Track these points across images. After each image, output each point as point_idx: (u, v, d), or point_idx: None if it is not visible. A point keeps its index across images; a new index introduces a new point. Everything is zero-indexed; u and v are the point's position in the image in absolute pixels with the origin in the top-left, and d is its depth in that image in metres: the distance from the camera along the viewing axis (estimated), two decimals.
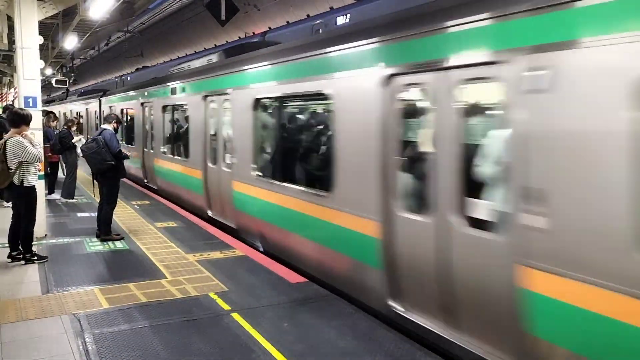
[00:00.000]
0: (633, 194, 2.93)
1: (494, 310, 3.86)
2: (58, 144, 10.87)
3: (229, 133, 8.55)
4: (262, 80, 7.45)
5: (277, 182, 6.95)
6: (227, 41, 21.30)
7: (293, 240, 6.63)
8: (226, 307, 5.22)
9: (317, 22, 16.39)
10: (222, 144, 8.88)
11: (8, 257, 6.60)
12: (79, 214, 9.83)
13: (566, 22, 3.27)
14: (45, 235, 7.91)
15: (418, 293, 4.62)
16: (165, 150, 12.06)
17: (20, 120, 6.47)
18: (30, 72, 7.74)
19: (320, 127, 6.96)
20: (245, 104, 7.74)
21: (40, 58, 9.08)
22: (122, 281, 5.92)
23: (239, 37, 20.58)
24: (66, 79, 26.46)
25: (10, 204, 8.45)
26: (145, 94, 13.59)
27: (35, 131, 6.97)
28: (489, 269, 3.88)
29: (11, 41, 13.06)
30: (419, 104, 4.76)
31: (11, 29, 11.78)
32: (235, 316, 4.97)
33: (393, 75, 4.78)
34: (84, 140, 10.56)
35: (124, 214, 9.73)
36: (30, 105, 7.58)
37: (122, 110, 16.42)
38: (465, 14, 4.03)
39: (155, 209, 10.48)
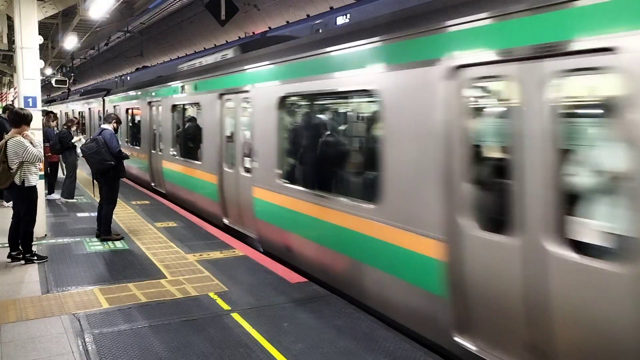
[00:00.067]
0: None
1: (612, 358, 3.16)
2: (58, 144, 10.87)
3: (249, 134, 7.88)
4: (289, 76, 6.66)
5: (309, 190, 6.20)
6: (227, 41, 21.29)
7: (328, 256, 5.89)
8: (226, 307, 5.22)
9: (317, 22, 16.40)
10: (241, 147, 8.22)
11: (8, 257, 6.61)
12: (79, 214, 9.83)
13: None
14: (45, 235, 7.91)
15: (498, 329, 3.85)
16: (175, 152, 11.36)
17: (21, 120, 6.47)
18: (30, 72, 7.74)
19: (362, 128, 6.18)
20: (269, 102, 7.00)
21: (40, 58, 9.07)
22: (122, 281, 5.92)
23: (239, 37, 20.57)
24: (66, 78, 26.49)
25: (10, 204, 8.46)
26: (153, 92, 12.98)
27: (35, 131, 6.97)
28: (608, 308, 3.14)
29: (11, 41, 13.04)
30: (498, 101, 4.09)
31: (11, 28, 11.76)
32: (235, 316, 4.97)
33: (462, 66, 4.03)
34: (83, 140, 10.55)
35: (124, 214, 9.73)
36: (30, 105, 7.58)
37: (127, 110, 15.71)
38: None
39: (155, 209, 10.48)
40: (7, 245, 6.68)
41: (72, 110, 26.39)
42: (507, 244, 3.72)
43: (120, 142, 8.23)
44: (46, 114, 11.89)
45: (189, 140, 11.02)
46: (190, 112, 11.32)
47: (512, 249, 3.67)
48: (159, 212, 10.06)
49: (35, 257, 6.59)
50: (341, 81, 5.61)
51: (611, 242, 3.19)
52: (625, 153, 3.04)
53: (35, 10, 7.96)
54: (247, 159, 7.96)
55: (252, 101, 7.63)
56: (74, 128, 11.59)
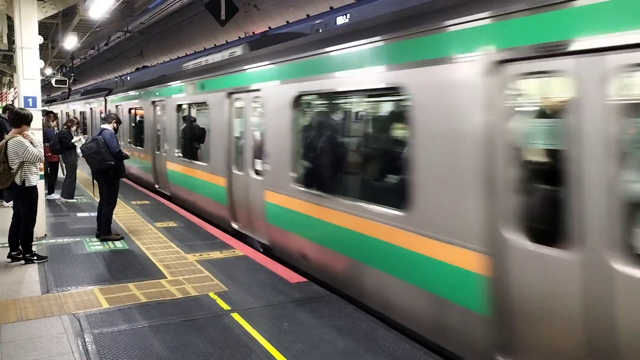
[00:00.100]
0: None
1: None
2: (58, 144, 10.87)
3: (260, 135, 7.53)
4: (305, 73, 6.23)
5: (328, 195, 5.85)
6: (226, 41, 21.31)
7: (348, 266, 5.55)
8: (226, 307, 5.22)
9: (317, 22, 16.42)
10: (251, 148, 7.89)
11: (8, 256, 6.61)
12: (79, 214, 9.83)
13: None
14: (45, 235, 7.91)
15: (549, 353, 3.51)
16: (180, 153, 10.99)
17: (21, 120, 6.48)
18: (30, 72, 7.74)
19: (387, 129, 5.69)
20: (282, 101, 6.62)
21: (40, 58, 9.08)
22: (122, 281, 5.92)
23: (239, 37, 20.59)
24: (66, 78, 26.51)
25: (10, 204, 8.47)
26: (157, 92, 12.60)
27: (35, 131, 6.98)
28: None
29: (11, 41, 13.05)
30: (550, 99, 3.79)
31: (11, 28, 11.77)
32: (235, 316, 4.97)
33: (506, 61, 3.70)
34: (83, 140, 10.55)
35: (124, 213, 9.73)
36: (30, 105, 7.58)
37: (129, 109, 15.34)
38: None
39: (155, 209, 10.48)
40: (7, 245, 6.68)
41: (74, 110, 26.36)
42: (562, 258, 3.38)
43: (122, 143, 8.20)
44: (46, 114, 11.90)
45: (196, 141, 10.75)
46: (197, 112, 11.06)
47: (570, 265, 3.33)
48: (159, 212, 10.06)
49: (35, 257, 6.60)
50: (366, 78, 5.22)
51: None
52: None
53: (35, 10, 7.96)
54: (258, 161, 7.62)
55: (264, 100, 7.25)
56: (74, 128, 11.58)
